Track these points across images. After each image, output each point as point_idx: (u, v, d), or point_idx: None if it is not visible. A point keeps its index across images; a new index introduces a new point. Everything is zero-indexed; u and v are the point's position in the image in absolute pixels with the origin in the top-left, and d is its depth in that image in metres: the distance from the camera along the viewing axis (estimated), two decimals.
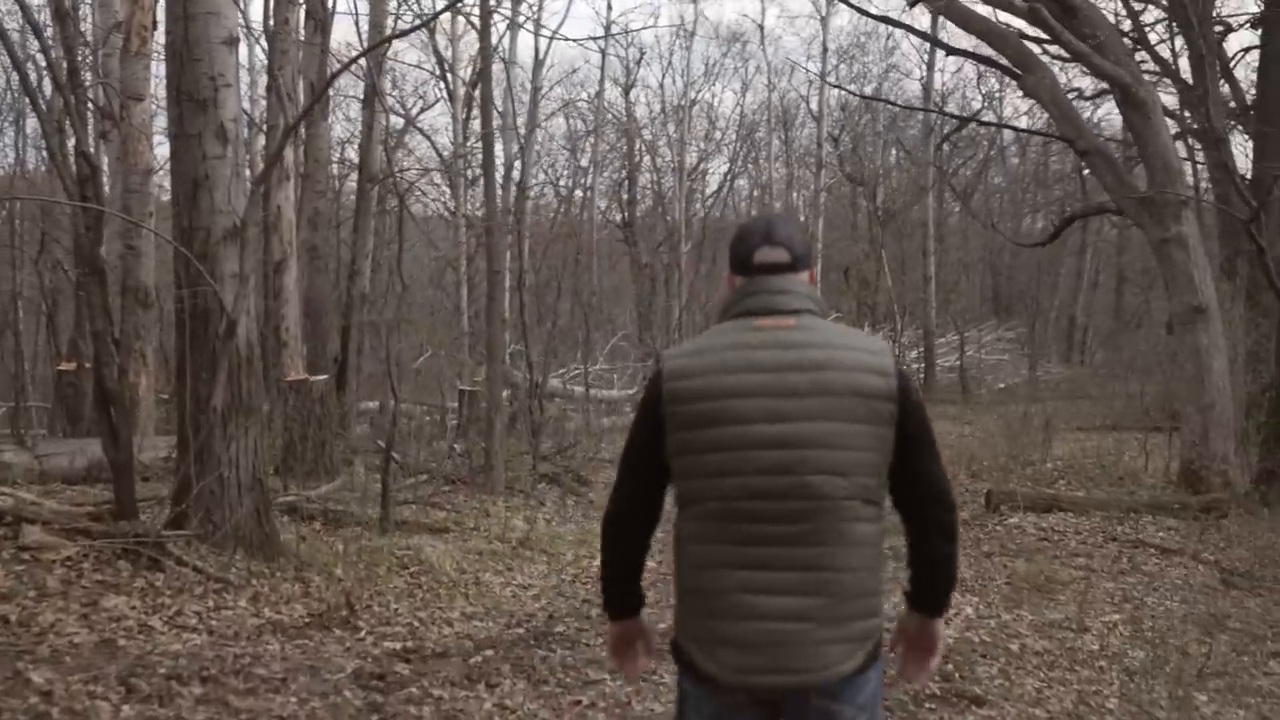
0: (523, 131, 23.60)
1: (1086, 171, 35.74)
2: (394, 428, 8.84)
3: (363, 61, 14.70)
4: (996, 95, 40.09)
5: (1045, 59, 15.19)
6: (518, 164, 23.78)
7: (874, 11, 15.73)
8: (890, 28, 43.60)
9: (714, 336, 2.87)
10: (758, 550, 2.71)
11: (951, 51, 15.15)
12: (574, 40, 41.00)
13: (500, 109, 34.27)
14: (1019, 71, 14.16)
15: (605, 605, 3.06)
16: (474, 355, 20.75)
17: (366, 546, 7.54)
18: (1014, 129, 23.91)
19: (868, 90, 42.70)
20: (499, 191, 14.81)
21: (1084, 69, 21.66)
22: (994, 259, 42.61)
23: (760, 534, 2.71)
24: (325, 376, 11.70)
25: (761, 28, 46.80)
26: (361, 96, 26.61)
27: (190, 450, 6.62)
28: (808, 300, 2.84)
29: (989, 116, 41.12)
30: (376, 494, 9.34)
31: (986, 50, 16.33)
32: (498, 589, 7.52)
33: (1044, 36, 17.45)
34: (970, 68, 40.30)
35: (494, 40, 36.20)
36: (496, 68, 34.26)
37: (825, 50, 38.56)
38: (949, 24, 19.86)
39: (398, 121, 28.77)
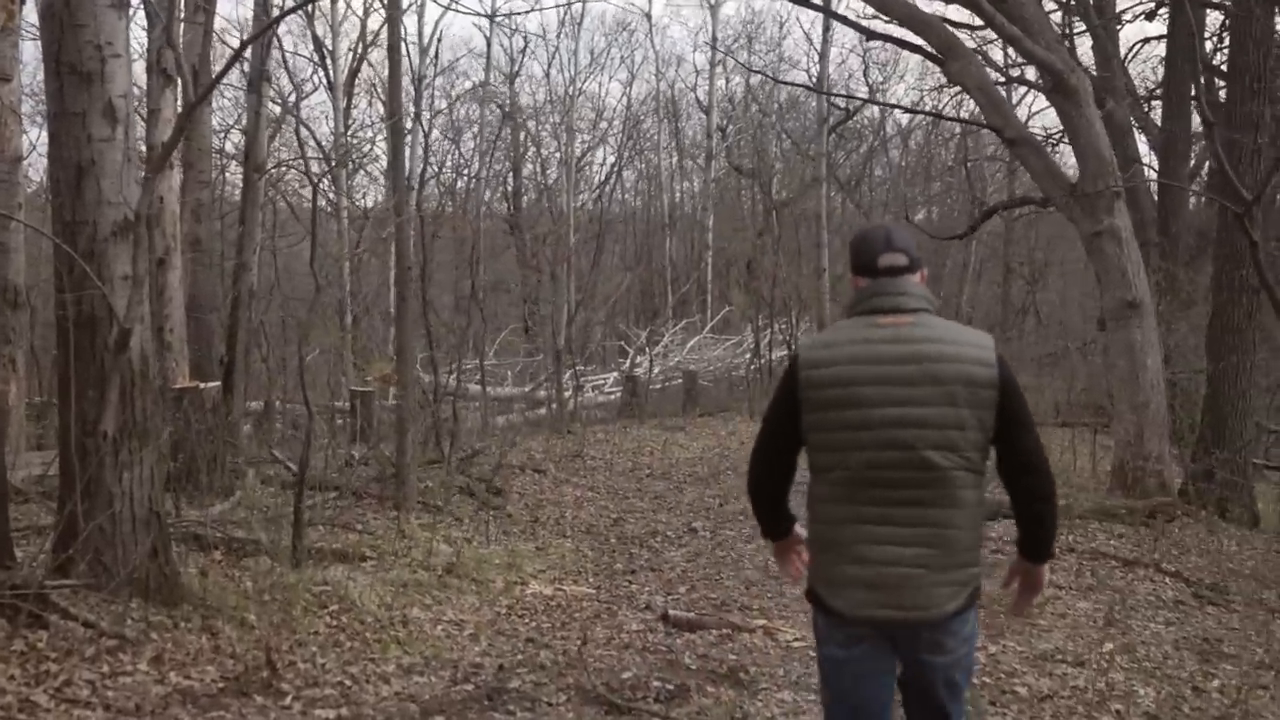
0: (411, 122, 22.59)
1: (971, 164, 35.95)
2: (308, 448, 7.90)
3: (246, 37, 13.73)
4: (881, 88, 40.04)
5: None
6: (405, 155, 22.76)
7: None
8: (779, 18, 43.42)
9: (842, 331, 3.45)
10: (880, 510, 3.31)
11: (873, 36, 14.53)
12: (466, 12, 39.61)
13: (385, 99, 33.37)
14: (943, 58, 13.60)
15: (764, 533, 3.71)
16: (379, 353, 19.83)
17: (279, 583, 6.63)
18: (941, 117, 23.41)
19: (755, 81, 42.46)
20: (410, 185, 13.82)
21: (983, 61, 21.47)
22: None
23: (882, 497, 3.30)
24: (216, 384, 10.70)
25: (649, 16, 45.86)
26: (236, 82, 25.58)
27: (76, 484, 5.63)
28: (923, 300, 3.39)
29: (873, 110, 41.26)
30: (279, 514, 8.43)
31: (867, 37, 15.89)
32: (429, 628, 6.66)
33: (964, 23, 17.05)
34: (855, 60, 40.32)
35: (375, 25, 35.10)
36: (379, 55, 33.35)
37: (714, 40, 38.04)
38: (851, 11, 19.21)
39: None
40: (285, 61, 26.80)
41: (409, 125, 20.12)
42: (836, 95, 31.34)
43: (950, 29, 14.43)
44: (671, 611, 7.22)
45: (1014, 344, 36.69)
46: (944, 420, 3.26)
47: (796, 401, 3.37)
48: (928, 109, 34.16)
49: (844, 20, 15.02)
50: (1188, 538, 10.95)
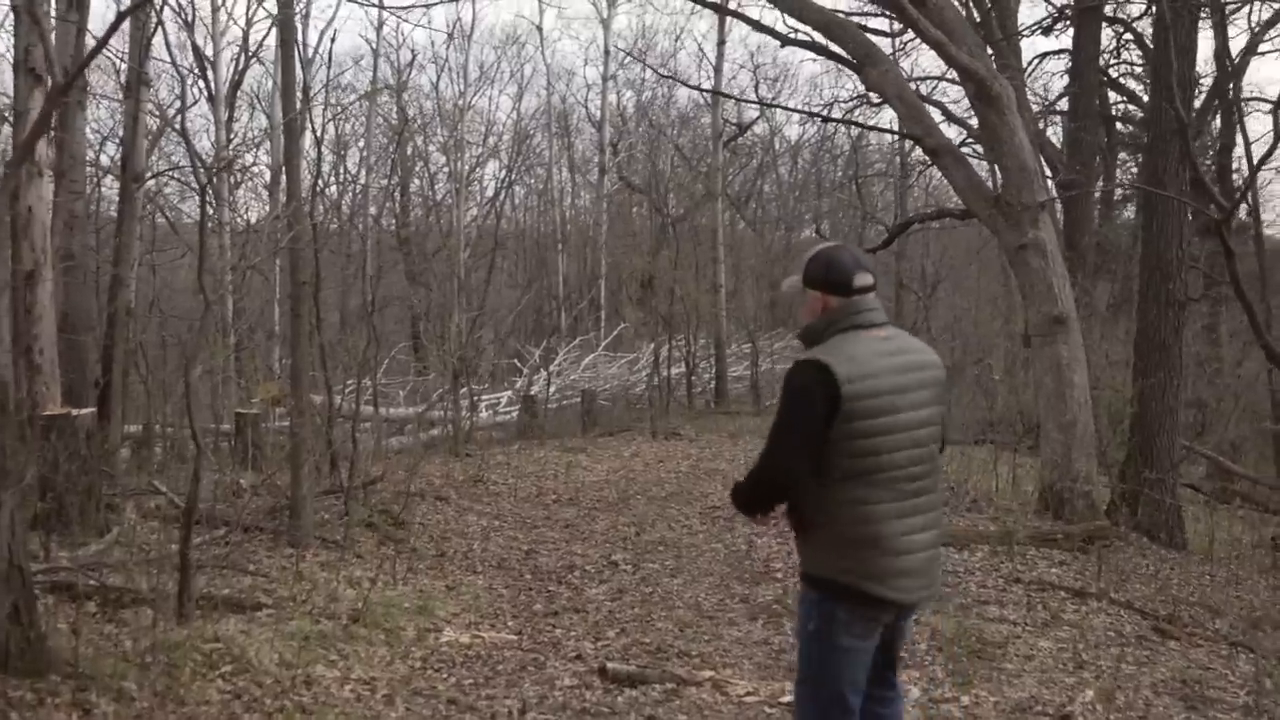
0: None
1: (860, 181, 35.82)
2: (196, 484, 7.03)
3: (125, 47, 12.85)
4: (770, 103, 39.71)
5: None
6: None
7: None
8: (674, 32, 43.20)
9: (849, 346, 3.75)
10: (909, 502, 3.76)
11: (788, 43, 14.03)
12: (360, 3, 38.17)
13: (267, 111, 32.16)
14: (860, 65, 13.14)
15: (754, 516, 4.00)
16: (265, 374, 18.89)
17: (163, 641, 5.79)
18: (859, 124, 23.14)
19: (646, 96, 42.06)
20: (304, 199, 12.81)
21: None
22: (770, 268, 42.06)
23: (909, 490, 3.76)
24: (90, 410, 9.77)
25: (540, 29, 45.23)
26: (108, 93, 24.39)
27: None
28: (886, 314, 3.90)
29: (762, 127, 41.15)
30: (162, 555, 7.55)
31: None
32: (336, 689, 5.87)
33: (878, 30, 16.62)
34: (746, 76, 40.08)
35: (257, 37, 34.00)
36: (261, 70, 32.30)
37: (607, 53, 37.46)
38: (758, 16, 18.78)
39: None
40: (176, 65, 25.58)
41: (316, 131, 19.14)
42: (744, 101, 31.10)
43: (867, 35, 14.03)
44: (609, 664, 6.48)
45: None
46: (938, 417, 3.89)
47: (833, 414, 3.64)
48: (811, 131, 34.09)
49: (759, 27, 14.47)
50: (1122, 562, 10.54)
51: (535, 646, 7.21)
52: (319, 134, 25.25)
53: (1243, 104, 19.38)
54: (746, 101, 32.99)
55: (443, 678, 6.38)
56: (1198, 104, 21.69)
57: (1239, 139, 19.37)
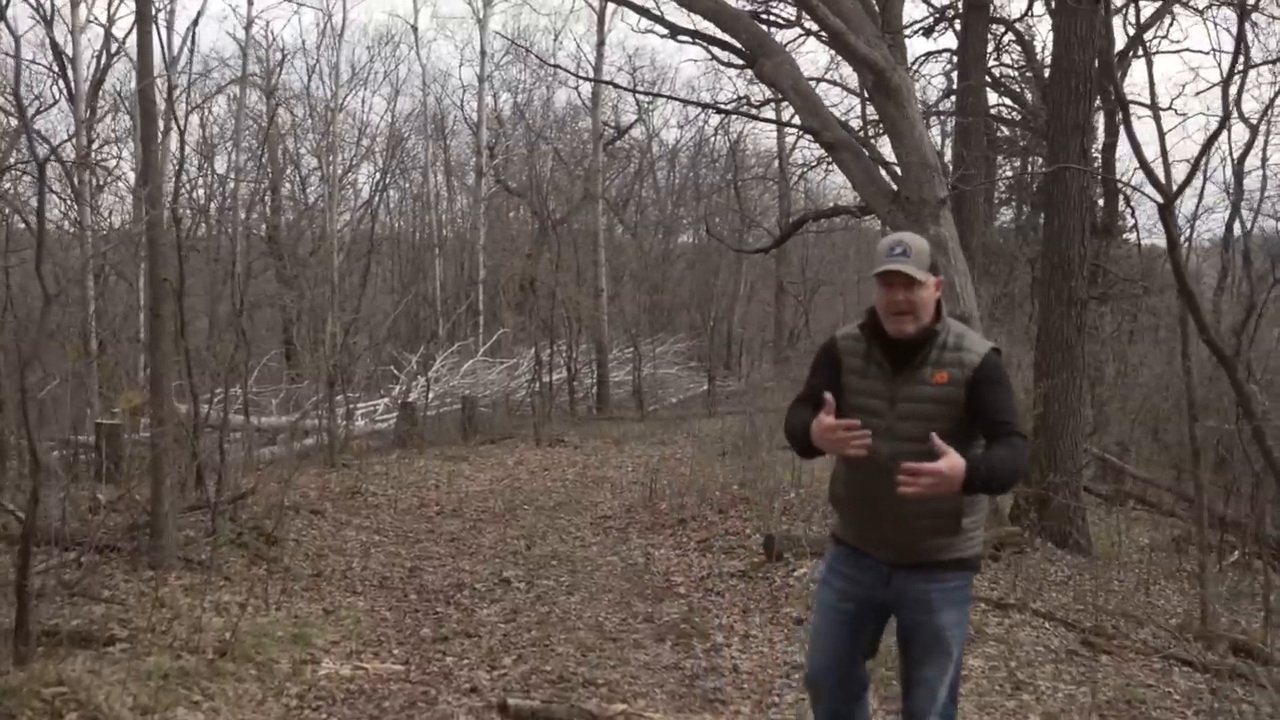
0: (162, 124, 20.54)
1: (739, 184, 35.55)
2: (35, 505, 6.21)
3: None
4: (650, 107, 39.42)
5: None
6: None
7: None
8: (552, 30, 42.57)
9: None
10: None
11: (676, 33, 13.47)
12: None
13: (130, 111, 30.90)
14: (754, 56, 12.63)
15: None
16: (129, 382, 17.87)
17: None
18: (755, 118, 22.77)
19: (523, 99, 41.44)
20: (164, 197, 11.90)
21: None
22: (649, 272, 41.68)
23: None
24: None
25: (415, 29, 44.17)
26: None
27: None
28: None
29: (640, 130, 40.87)
30: (1, 583, 6.75)
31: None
32: None
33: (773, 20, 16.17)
34: (624, 79, 39.66)
35: (120, 34, 32.70)
36: (125, 65, 30.97)
37: (483, 54, 36.66)
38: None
39: None
40: (34, 59, 24.28)
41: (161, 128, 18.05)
42: (632, 91, 30.67)
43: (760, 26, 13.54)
44: (510, 700, 5.80)
45: (792, 364, 36.47)
46: None
47: None
48: (703, 124, 33.81)
49: (648, 14, 13.87)
50: (1033, 569, 10.17)
51: (425, 678, 6.53)
52: (183, 127, 24.11)
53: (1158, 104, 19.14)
54: (634, 92, 32.61)
55: (322, 718, 5.68)
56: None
57: (1155, 132, 19.18)
